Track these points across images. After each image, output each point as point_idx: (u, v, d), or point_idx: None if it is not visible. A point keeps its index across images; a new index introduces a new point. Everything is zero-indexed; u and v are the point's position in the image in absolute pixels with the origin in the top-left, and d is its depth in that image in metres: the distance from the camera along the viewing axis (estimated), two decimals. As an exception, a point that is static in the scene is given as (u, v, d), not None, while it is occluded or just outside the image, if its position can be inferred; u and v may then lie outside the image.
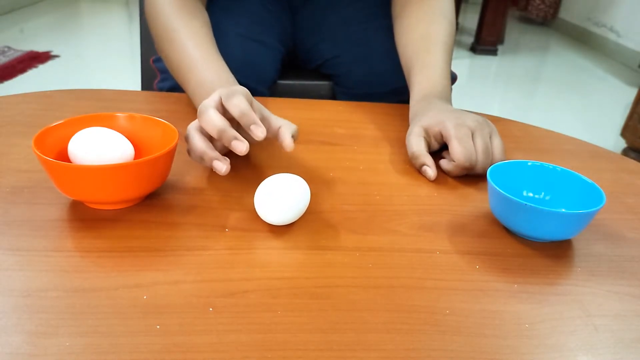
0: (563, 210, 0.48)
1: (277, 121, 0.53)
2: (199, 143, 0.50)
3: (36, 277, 0.38)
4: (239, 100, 0.50)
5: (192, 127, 0.52)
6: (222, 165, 0.48)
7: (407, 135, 0.61)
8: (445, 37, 0.71)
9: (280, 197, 0.44)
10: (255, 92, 0.78)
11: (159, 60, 0.84)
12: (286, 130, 0.51)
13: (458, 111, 0.60)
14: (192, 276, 0.39)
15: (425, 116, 0.61)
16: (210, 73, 0.63)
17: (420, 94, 0.67)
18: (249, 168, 0.56)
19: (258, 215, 0.46)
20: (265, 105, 0.72)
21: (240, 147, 0.47)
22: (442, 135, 0.58)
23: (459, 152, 0.55)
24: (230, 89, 0.52)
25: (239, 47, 0.79)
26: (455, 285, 0.41)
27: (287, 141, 0.50)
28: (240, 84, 0.79)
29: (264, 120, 0.53)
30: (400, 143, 0.65)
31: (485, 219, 0.50)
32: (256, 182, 0.52)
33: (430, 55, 0.69)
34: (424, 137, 0.59)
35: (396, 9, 0.79)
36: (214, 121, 0.49)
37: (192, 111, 0.69)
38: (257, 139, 0.48)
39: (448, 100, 0.67)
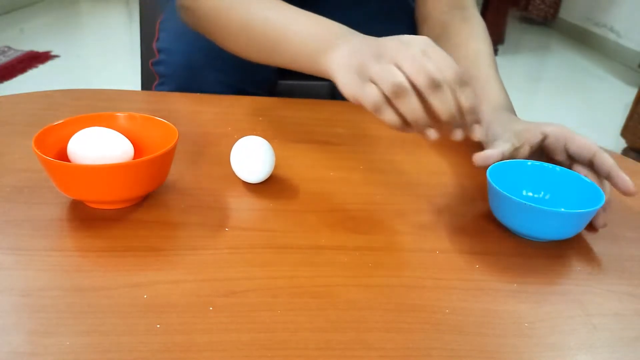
0: (562, 209, 0.48)
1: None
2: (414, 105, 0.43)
3: (36, 277, 0.38)
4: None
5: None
6: (434, 133, 0.44)
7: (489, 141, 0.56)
8: (494, 57, 0.69)
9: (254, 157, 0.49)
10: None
11: (157, 63, 0.83)
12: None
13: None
14: (192, 275, 0.39)
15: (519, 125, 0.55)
16: (319, 25, 0.55)
17: (493, 105, 0.61)
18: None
19: (257, 214, 0.47)
20: (265, 106, 0.72)
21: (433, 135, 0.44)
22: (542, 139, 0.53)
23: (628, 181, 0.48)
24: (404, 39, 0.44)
25: None
26: (455, 285, 0.41)
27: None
28: (238, 89, 0.78)
29: None
30: (400, 143, 0.65)
31: (485, 218, 0.50)
32: (256, 181, 0.52)
33: (491, 70, 0.66)
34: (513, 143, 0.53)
35: (435, 30, 0.77)
36: (414, 107, 0.43)
37: (192, 111, 0.69)
38: (474, 138, 0.44)
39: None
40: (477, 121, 0.43)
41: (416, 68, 0.42)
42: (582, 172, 0.51)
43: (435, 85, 0.41)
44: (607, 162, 0.49)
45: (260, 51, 0.59)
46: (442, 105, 0.42)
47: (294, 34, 0.55)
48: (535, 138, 0.53)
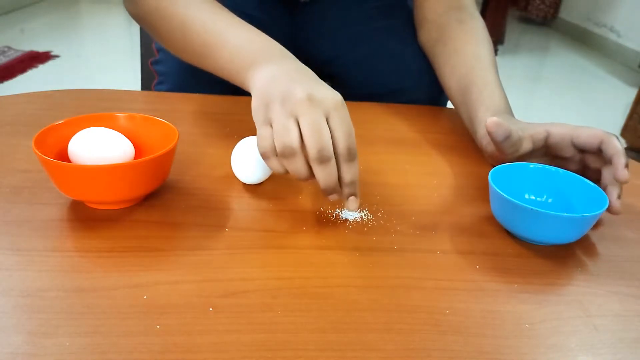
0: (565, 214, 0.48)
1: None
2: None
3: (36, 277, 0.38)
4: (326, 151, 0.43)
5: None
6: (355, 204, 0.46)
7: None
8: (493, 58, 0.69)
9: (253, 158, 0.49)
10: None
11: (157, 62, 0.84)
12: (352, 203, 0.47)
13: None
14: (192, 276, 0.39)
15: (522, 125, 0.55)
16: (247, 41, 0.54)
17: (492, 110, 0.62)
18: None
19: (257, 214, 0.46)
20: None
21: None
22: (547, 138, 0.53)
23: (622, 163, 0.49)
24: (308, 96, 0.44)
25: None
26: (455, 285, 0.41)
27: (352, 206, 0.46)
28: (235, 88, 0.78)
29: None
30: (399, 143, 0.65)
31: (486, 219, 0.50)
32: (257, 182, 0.52)
33: (489, 74, 0.66)
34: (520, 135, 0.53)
35: (431, 34, 0.77)
36: (300, 170, 0.44)
37: (192, 111, 0.69)
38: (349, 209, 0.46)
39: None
40: (355, 194, 0.46)
41: (311, 134, 0.43)
42: (593, 164, 0.51)
43: (323, 159, 0.43)
44: (614, 147, 0.49)
45: (195, 54, 0.60)
46: (324, 177, 0.44)
47: (227, 42, 0.55)
48: (539, 134, 0.53)
